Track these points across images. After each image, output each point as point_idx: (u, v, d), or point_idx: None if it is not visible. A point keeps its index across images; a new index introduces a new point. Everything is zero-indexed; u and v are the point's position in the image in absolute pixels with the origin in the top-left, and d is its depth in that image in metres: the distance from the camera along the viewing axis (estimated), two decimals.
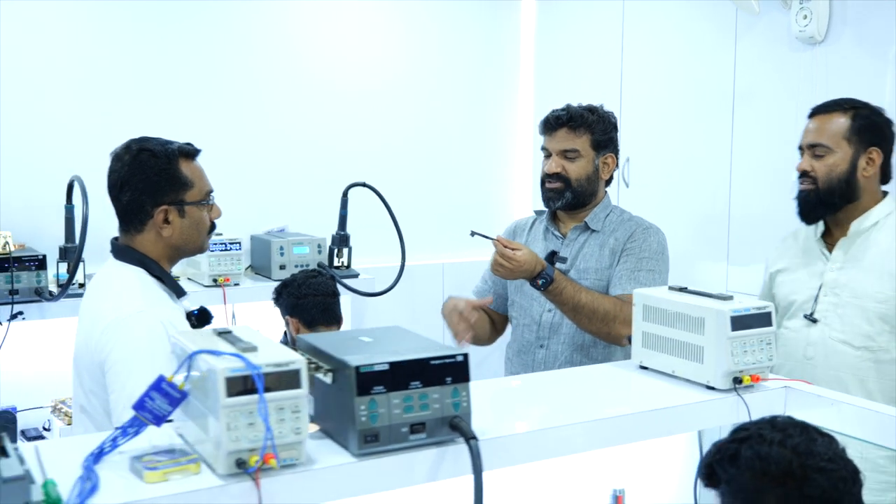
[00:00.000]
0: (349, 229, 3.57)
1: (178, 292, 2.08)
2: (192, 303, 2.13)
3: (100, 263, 3.10)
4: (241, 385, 1.29)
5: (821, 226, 2.44)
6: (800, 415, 1.64)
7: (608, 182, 2.64)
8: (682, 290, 1.95)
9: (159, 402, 1.40)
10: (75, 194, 2.95)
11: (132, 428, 1.41)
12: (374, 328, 1.64)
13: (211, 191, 2.11)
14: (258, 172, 3.84)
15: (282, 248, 3.56)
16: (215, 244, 3.34)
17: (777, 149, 3.20)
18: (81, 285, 3.11)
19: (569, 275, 2.51)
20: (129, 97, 3.55)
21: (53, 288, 3.07)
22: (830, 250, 2.40)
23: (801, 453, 1.28)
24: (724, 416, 1.76)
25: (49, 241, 3.17)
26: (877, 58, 2.87)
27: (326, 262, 3.59)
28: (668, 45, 3.66)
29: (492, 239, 2.43)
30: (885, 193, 2.39)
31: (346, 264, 3.65)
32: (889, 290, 2.25)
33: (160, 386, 1.40)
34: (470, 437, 1.41)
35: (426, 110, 4.23)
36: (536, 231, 2.71)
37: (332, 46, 3.99)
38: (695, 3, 3.50)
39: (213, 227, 2.14)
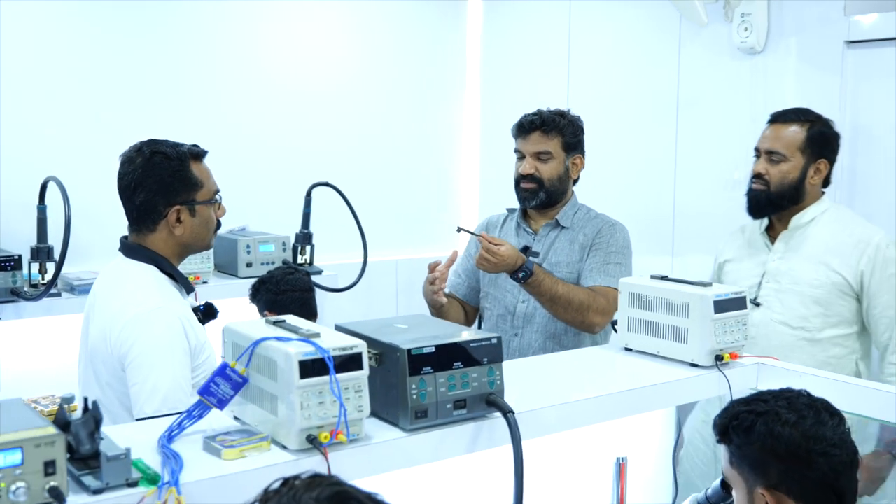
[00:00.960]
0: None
1: (188, 288, 2.17)
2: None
3: (72, 263, 3.16)
4: (310, 368, 1.42)
5: (765, 221, 2.73)
6: (769, 387, 1.85)
7: (575, 181, 2.83)
8: (664, 278, 2.15)
9: (223, 387, 1.51)
10: (50, 195, 2.96)
11: (196, 411, 1.52)
12: (400, 316, 1.78)
13: (218, 190, 2.21)
14: (218, 172, 3.88)
15: (248, 246, 3.63)
16: None
17: (719, 151, 3.46)
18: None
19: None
20: (96, 98, 3.55)
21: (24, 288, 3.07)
22: (773, 242, 2.69)
23: (810, 437, 1.43)
24: (710, 389, 1.98)
25: (18, 242, 3.16)
26: (812, 67, 3.15)
27: (291, 260, 3.68)
28: (615, 49, 3.86)
29: (476, 235, 2.60)
30: (822, 193, 2.69)
31: (308, 261, 3.74)
32: (823, 277, 2.56)
33: (224, 372, 1.51)
34: (507, 412, 1.57)
35: (377, 111, 4.35)
36: (508, 227, 2.88)
37: (289, 48, 4.07)
38: (641, 11, 3.71)
39: (219, 224, 2.24)
